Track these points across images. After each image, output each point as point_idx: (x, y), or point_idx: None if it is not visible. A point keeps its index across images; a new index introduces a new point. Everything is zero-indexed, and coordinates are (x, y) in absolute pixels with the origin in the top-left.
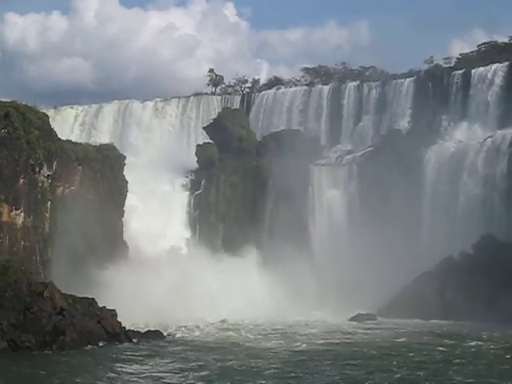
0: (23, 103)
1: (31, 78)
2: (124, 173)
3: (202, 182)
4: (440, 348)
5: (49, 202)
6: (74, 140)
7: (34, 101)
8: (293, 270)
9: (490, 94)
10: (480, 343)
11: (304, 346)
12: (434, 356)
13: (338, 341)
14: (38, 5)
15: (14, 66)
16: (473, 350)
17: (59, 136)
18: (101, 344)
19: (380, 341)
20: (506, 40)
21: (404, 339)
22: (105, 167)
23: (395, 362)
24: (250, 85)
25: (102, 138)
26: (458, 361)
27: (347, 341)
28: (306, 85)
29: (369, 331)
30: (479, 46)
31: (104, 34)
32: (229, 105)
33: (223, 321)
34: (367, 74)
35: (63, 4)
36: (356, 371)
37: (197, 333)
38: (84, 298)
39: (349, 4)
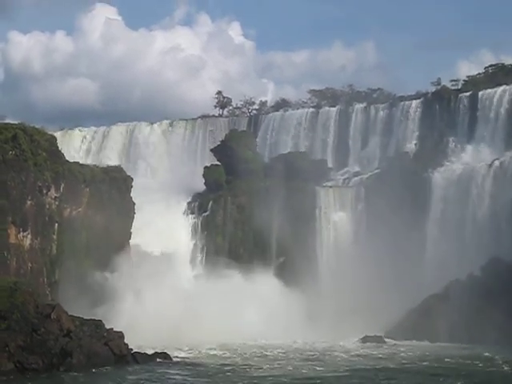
0: (31, 125)
1: (36, 99)
2: (131, 195)
3: (210, 204)
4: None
5: (56, 224)
6: (81, 162)
7: (40, 122)
8: (299, 291)
9: (497, 116)
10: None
11: (318, 371)
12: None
13: (349, 365)
14: (42, 24)
15: (19, 87)
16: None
17: (67, 158)
18: (108, 366)
19: (397, 365)
20: None
21: (421, 363)
22: (112, 189)
23: None
24: (257, 107)
25: (110, 159)
26: None
27: (362, 366)
28: (313, 107)
29: (380, 354)
30: (486, 68)
31: (110, 55)
32: (236, 127)
33: (224, 345)
34: (374, 96)
35: (67, 24)
36: None
37: (204, 356)
38: (91, 319)
39: (354, 25)
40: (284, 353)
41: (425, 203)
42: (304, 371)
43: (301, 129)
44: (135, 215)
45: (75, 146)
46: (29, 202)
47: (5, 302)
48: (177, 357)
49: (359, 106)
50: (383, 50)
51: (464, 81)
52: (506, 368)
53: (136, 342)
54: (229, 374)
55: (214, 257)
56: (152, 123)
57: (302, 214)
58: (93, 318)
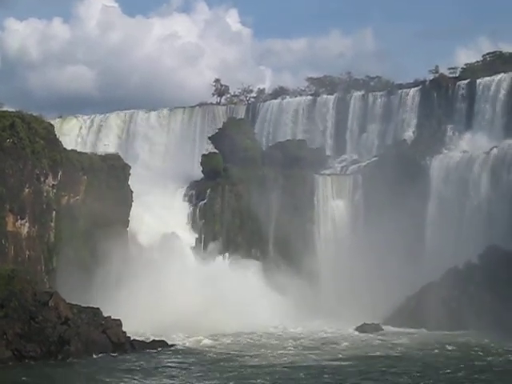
0: (29, 113)
1: (34, 87)
2: (129, 183)
3: (207, 192)
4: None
5: (54, 212)
6: (79, 150)
7: (37, 109)
8: (297, 279)
9: (495, 104)
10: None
11: (317, 360)
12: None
13: (348, 354)
14: (39, 11)
15: (16, 75)
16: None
17: (64, 146)
18: (105, 354)
19: (396, 353)
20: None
21: (420, 351)
22: (110, 177)
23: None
24: (255, 94)
25: (108, 147)
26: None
27: (361, 354)
28: (311, 94)
29: (379, 342)
30: (484, 55)
31: (107, 42)
32: (234, 114)
33: (219, 333)
34: (372, 83)
35: (64, 11)
36: None
37: (202, 343)
38: (89, 307)
39: (352, 12)
40: (282, 341)
41: (423, 191)
42: (303, 360)
43: (299, 117)
44: (133, 203)
45: (73, 133)
46: (26, 190)
47: (2, 289)
48: (175, 344)
49: (357, 94)
50: (381, 37)
51: (462, 68)
52: (505, 355)
53: (135, 329)
54: (225, 362)
55: (212, 245)
56: (150, 111)
57: (299, 202)
58: (91, 305)
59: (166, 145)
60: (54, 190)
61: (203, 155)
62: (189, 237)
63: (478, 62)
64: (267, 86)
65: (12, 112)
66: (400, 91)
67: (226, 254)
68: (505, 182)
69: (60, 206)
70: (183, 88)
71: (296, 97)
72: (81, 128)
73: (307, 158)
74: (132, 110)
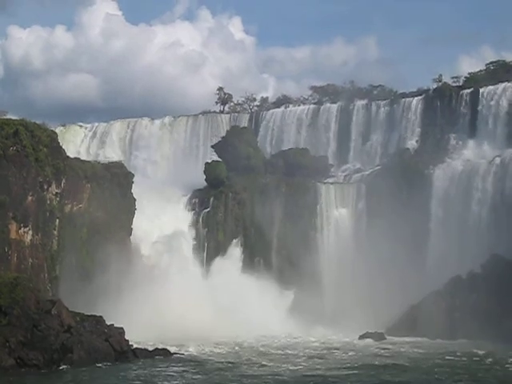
0: (32, 121)
1: (37, 95)
2: (132, 191)
3: (211, 200)
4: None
5: (57, 220)
6: (82, 158)
7: (40, 117)
8: (300, 287)
9: (498, 113)
10: (498, 366)
11: (320, 369)
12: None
13: (352, 363)
14: (42, 18)
15: (19, 83)
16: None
17: (68, 154)
18: (108, 362)
19: (400, 362)
20: None
21: (424, 361)
22: (113, 185)
23: None
24: (258, 103)
25: (111, 155)
26: None
27: (365, 363)
28: (315, 103)
29: (382, 351)
30: (487, 64)
31: (110, 50)
32: (237, 123)
33: (220, 342)
34: (375, 92)
35: (67, 19)
36: None
37: (204, 352)
38: (92, 315)
39: (355, 20)
40: (285, 350)
41: (426, 200)
42: (306, 369)
43: (302, 125)
44: (136, 211)
45: (76, 141)
46: (30, 198)
47: (6, 297)
48: (177, 353)
49: (360, 103)
50: (384, 45)
51: (465, 77)
52: (508, 365)
53: (137, 337)
54: (227, 371)
55: (215, 253)
56: (153, 119)
57: (302, 211)
58: (93, 313)
59: (169, 153)
60: (58, 198)
61: (206, 163)
62: (192, 245)
63: (481, 70)
64: (270, 94)
65: (15, 120)
66: (403, 100)
67: (232, 262)
68: (508, 190)
69: (63, 213)
70: (186, 96)
71: (299, 105)
72: (84, 136)
73: (310, 167)
74: (135, 118)
